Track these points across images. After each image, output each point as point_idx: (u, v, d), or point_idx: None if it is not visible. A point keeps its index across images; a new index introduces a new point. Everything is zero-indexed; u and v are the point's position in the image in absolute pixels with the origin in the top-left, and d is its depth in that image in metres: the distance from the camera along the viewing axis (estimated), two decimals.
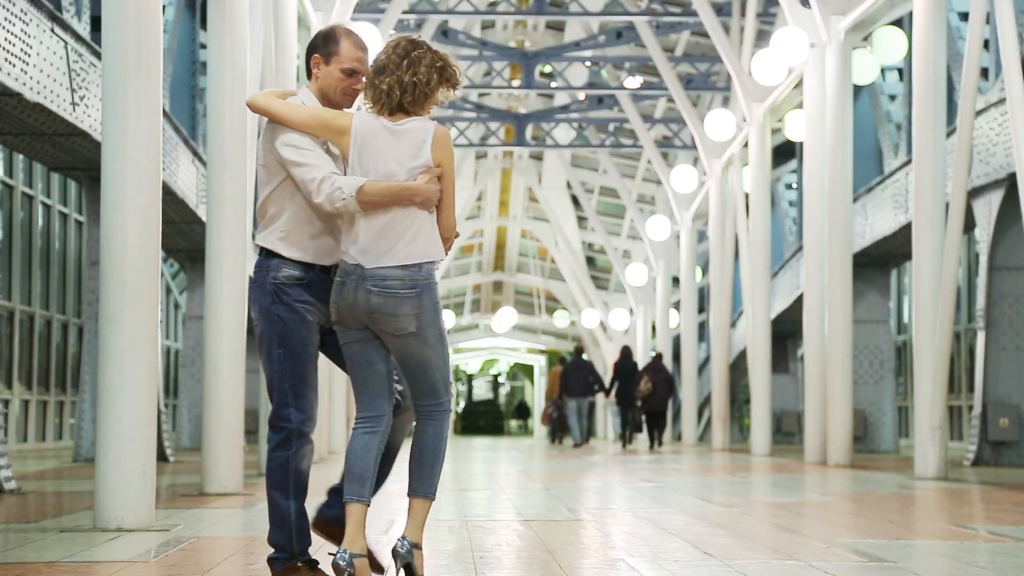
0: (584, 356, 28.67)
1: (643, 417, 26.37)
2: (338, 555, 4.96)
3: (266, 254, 5.11)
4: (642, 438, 27.69)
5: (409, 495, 5.13)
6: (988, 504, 10.07)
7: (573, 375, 27.90)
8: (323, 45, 5.21)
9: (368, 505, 5.08)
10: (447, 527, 7.74)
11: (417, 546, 5.06)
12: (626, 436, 26.64)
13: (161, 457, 16.22)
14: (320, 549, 5.56)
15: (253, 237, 20.53)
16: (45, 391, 22.41)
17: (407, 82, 5.10)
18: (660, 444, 25.88)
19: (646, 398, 25.81)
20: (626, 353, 27.52)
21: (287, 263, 5.07)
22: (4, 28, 11.32)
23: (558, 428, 31.47)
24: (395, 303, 4.94)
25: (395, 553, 5.05)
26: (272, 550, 5.30)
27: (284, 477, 5.24)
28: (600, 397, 34.83)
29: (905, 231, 18.49)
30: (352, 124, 5.03)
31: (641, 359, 37.68)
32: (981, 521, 8.48)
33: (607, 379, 34.03)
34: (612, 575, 5.65)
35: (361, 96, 5.21)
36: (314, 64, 5.21)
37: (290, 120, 5.02)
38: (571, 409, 27.74)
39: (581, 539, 7.22)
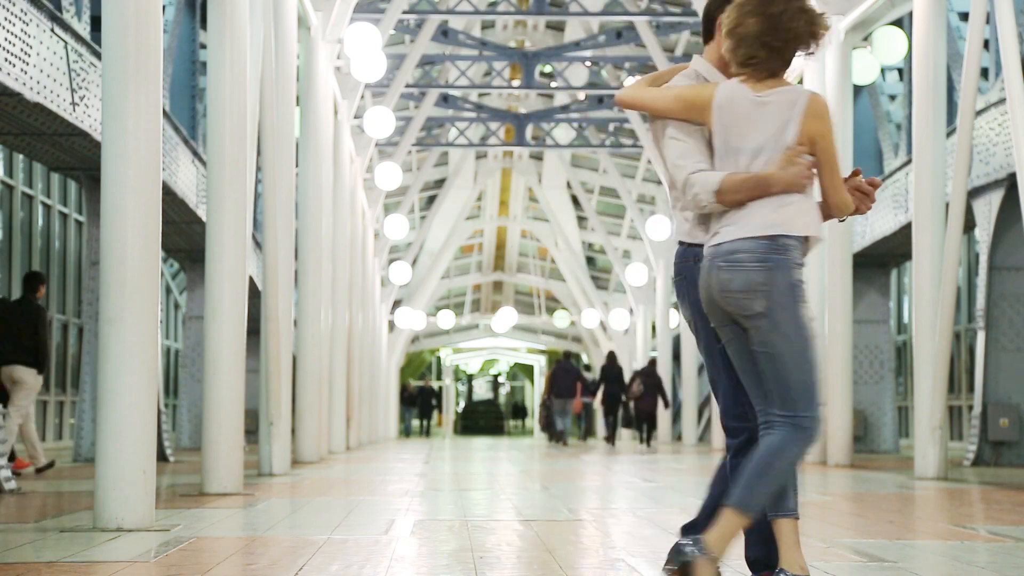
0: (572, 360, 31.14)
1: (634, 416, 28.20)
2: None
3: (687, 246, 4.59)
4: (627, 435, 29.19)
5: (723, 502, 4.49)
6: (988, 504, 10.07)
7: (560, 377, 29.94)
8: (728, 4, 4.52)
9: (797, 518, 4.51)
10: (447, 527, 7.74)
11: (710, 554, 4.37)
12: (612, 435, 28.79)
13: (161, 457, 16.23)
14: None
15: (254, 238, 20.47)
16: (45, 391, 22.41)
17: (777, 44, 4.40)
18: (650, 443, 27.28)
19: (637, 400, 27.41)
20: (611, 358, 29.56)
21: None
22: (4, 28, 11.32)
23: (545, 427, 32.89)
24: (743, 277, 4.32)
25: (677, 550, 4.41)
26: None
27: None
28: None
29: (905, 231, 18.49)
30: (714, 99, 4.43)
31: (641, 359, 37.98)
32: (981, 521, 8.48)
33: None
34: (612, 575, 5.65)
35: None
36: (717, 28, 4.55)
37: (655, 110, 4.49)
38: (557, 410, 29.84)
39: (581, 539, 7.22)
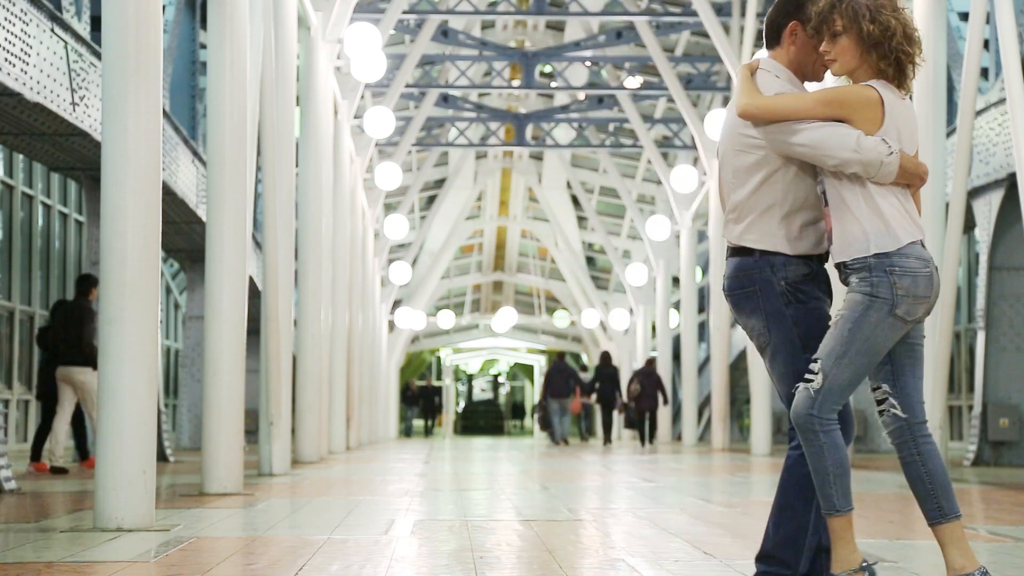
0: (567, 360, 31.76)
1: (636, 416, 28.90)
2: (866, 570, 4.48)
3: (760, 254, 4.55)
4: (627, 435, 29.66)
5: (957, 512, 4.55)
6: (988, 504, 10.06)
7: (555, 378, 30.38)
8: (807, 8, 4.54)
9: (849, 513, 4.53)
10: (447, 527, 7.74)
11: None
12: (608, 435, 29.73)
13: (161, 457, 16.23)
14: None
15: (254, 238, 20.40)
16: None
17: (907, 53, 4.49)
18: (651, 442, 27.94)
19: (637, 399, 28.17)
20: (606, 358, 30.65)
21: (792, 260, 4.54)
22: (4, 28, 11.32)
23: (542, 427, 33.48)
24: None
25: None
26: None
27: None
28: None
29: None
30: (881, 97, 4.43)
31: (641, 359, 37.98)
32: (981, 521, 8.48)
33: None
34: (612, 575, 5.64)
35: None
36: (790, 31, 4.60)
37: (803, 114, 4.42)
38: (554, 409, 30.24)
39: (581, 539, 7.22)
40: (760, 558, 4.64)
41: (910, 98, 4.61)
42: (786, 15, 4.59)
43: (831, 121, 4.42)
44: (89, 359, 14.09)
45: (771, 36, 4.66)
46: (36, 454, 14.75)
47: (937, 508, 4.49)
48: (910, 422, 4.55)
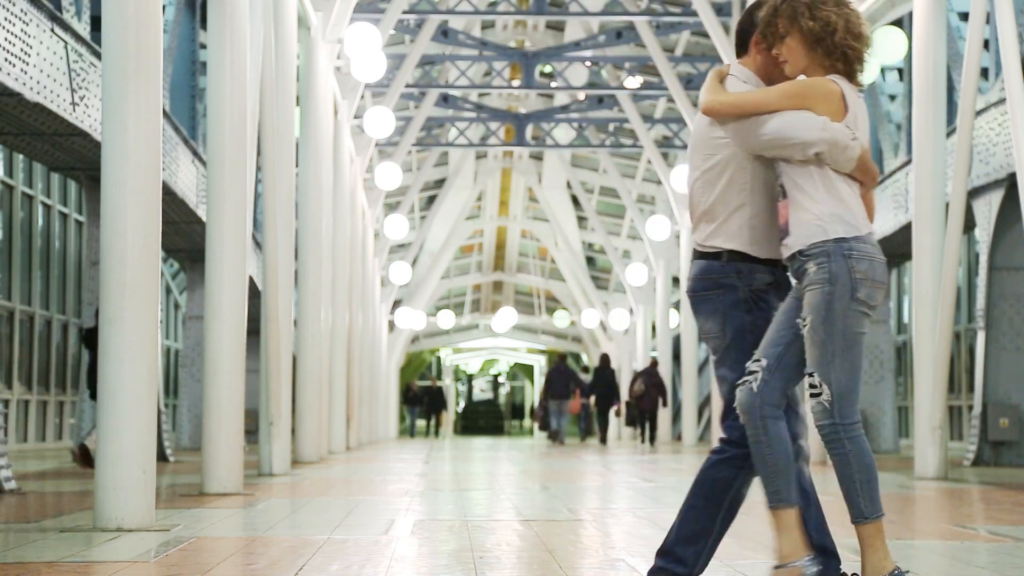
0: (567, 362, 32.54)
1: (637, 414, 29.83)
2: (803, 565, 4.51)
3: (727, 259, 4.56)
4: (627, 434, 30.22)
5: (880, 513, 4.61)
6: (988, 504, 10.07)
7: (555, 379, 30.97)
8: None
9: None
10: (447, 527, 7.74)
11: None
12: (604, 435, 30.95)
13: (161, 457, 16.22)
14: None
15: (254, 238, 20.42)
16: (45, 391, 22.41)
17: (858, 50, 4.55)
18: (652, 443, 28.58)
19: (639, 399, 28.98)
20: (605, 361, 31.32)
21: (758, 268, 4.57)
22: (4, 28, 11.33)
23: (541, 427, 34.04)
24: None
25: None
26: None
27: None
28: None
29: (905, 231, 18.48)
30: (841, 89, 4.46)
31: (641, 359, 38.05)
32: (981, 521, 8.48)
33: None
34: (612, 575, 5.65)
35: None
36: (755, 40, 4.65)
37: (766, 107, 4.44)
38: (553, 410, 30.88)
39: (581, 539, 7.22)
40: (660, 553, 4.65)
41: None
42: (752, 23, 4.65)
43: (800, 111, 4.45)
44: None
45: (740, 44, 4.72)
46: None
47: (857, 509, 4.50)
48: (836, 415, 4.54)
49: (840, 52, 4.50)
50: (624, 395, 34.67)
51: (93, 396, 15.16)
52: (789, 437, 4.53)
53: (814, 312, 4.42)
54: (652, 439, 28.51)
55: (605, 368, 30.82)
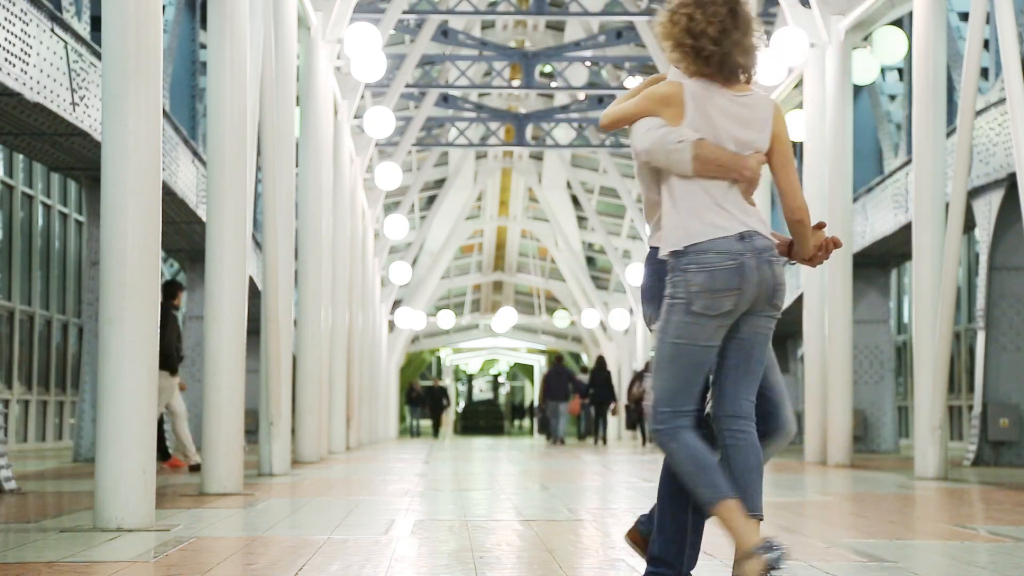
0: (565, 363, 33.59)
1: (637, 416, 30.65)
2: (766, 554, 4.41)
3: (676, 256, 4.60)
4: (627, 435, 31.74)
5: (754, 515, 4.49)
6: (988, 504, 10.07)
7: (553, 381, 31.56)
8: None
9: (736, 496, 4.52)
10: (447, 527, 7.74)
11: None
12: (597, 435, 31.31)
13: (161, 457, 16.21)
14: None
15: (254, 238, 20.47)
16: (45, 391, 22.42)
17: (747, 44, 4.54)
18: (651, 442, 28.41)
19: (639, 400, 29.64)
20: (601, 362, 32.16)
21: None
22: (4, 28, 11.32)
23: (541, 428, 34.42)
24: (781, 272, 4.55)
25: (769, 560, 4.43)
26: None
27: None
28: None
29: (905, 231, 18.48)
30: (682, 91, 4.52)
31: (641, 359, 38.14)
32: (981, 521, 8.48)
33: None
34: (612, 575, 5.65)
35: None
36: None
37: (633, 115, 4.57)
38: (551, 411, 31.40)
39: (581, 539, 7.22)
40: (649, 560, 4.70)
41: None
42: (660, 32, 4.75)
43: (652, 117, 4.54)
44: (164, 363, 14.24)
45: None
46: (163, 453, 15.19)
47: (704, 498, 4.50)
48: (718, 415, 4.58)
49: (683, 51, 4.54)
50: (623, 398, 35.15)
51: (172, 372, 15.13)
52: (697, 439, 4.53)
53: (661, 319, 4.55)
54: (650, 439, 28.82)
55: (602, 369, 31.39)
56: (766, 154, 4.58)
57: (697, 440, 4.52)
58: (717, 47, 4.51)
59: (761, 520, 4.50)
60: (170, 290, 14.97)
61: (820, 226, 4.67)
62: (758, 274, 4.49)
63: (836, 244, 4.68)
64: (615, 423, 40.41)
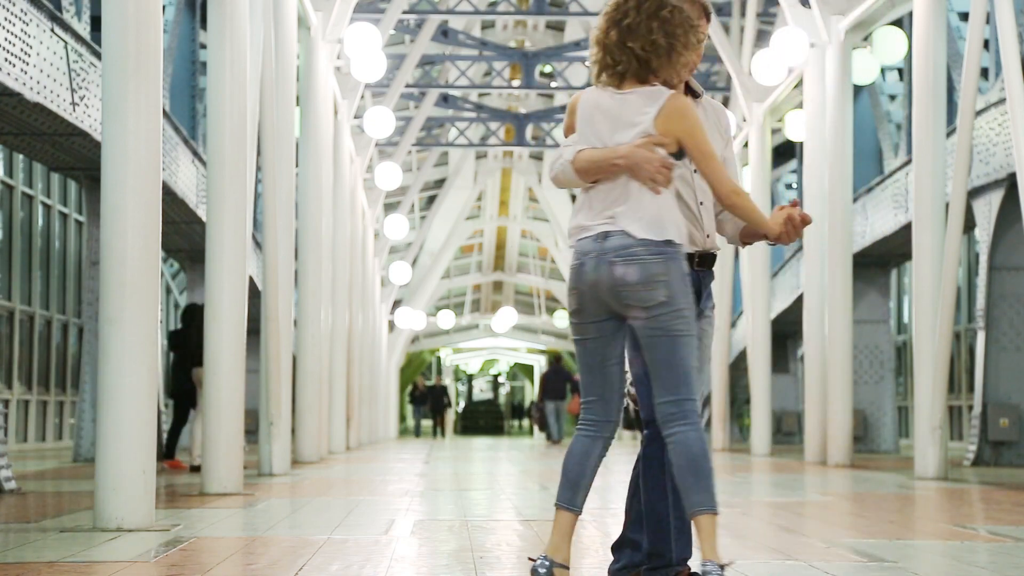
0: (563, 363, 33.69)
1: (634, 417, 30.33)
2: (538, 562, 4.60)
3: None
4: (626, 435, 32.98)
5: (693, 512, 4.52)
6: (988, 504, 10.07)
7: (551, 381, 31.88)
8: None
9: (579, 515, 4.74)
10: (447, 527, 7.74)
11: (725, 564, 4.49)
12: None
13: (161, 457, 16.21)
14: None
15: (254, 238, 20.57)
16: (45, 391, 22.41)
17: (638, 42, 4.57)
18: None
19: (635, 401, 30.06)
20: None
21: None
22: (4, 28, 11.32)
23: (540, 428, 34.88)
24: (642, 269, 4.49)
25: None
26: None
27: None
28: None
29: (905, 231, 18.48)
30: (578, 101, 4.65)
31: None
32: (981, 521, 8.48)
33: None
34: None
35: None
36: None
37: (566, 129, 4.74)
38: (549, 411, 31.64)
39: (581, 539, 7.22)
40: (646, 558, 4.83)
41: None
42: None
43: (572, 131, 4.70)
44: (199, 360, 14.56)
45: None
46: (170, 451, 15.49)
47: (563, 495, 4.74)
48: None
49: (593, 60, 4.69)
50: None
51: (171, 395, 15.78)
52: (584, 449, 4.84)
53: None
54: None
55: None
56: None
57: (576, 446, 4.84)
58: (601, 48, 4.62)
59: (715, 514, 4.50)
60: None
61: (793, 204, 4.69)
62: (594, 275, 4.55)
63: (805, 220, 4.66)
64: None
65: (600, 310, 4.58)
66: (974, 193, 17.10)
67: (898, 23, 20.18)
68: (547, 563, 4.57)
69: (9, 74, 11.42)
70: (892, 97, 23.87)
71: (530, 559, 4.71)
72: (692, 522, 4.55)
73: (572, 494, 4.69)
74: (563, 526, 4.65)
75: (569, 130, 4.69)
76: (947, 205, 13.68)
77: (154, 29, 7.71)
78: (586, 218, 4.59)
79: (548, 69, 32.14)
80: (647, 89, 4.57)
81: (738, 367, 29.84)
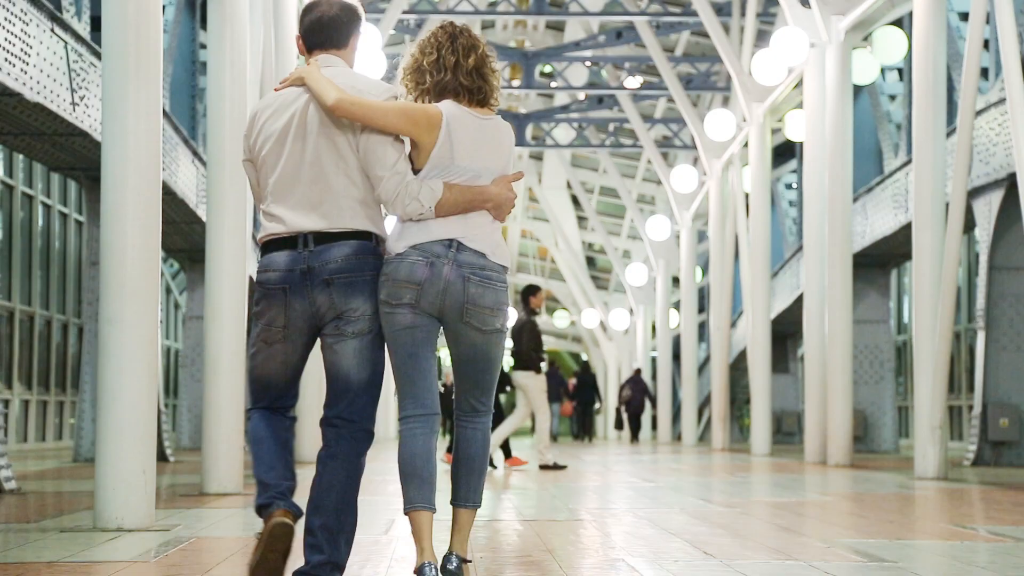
0: (556, 366, 37.68)
1: (627, 415, 34.68)
2: (426, 569, 4.73)
3: (377, 240, 4.72)
4: (617, 436, 36.46)
5: (456, 505, 4.89)
6: (988, 504, 10.07)
7: (548, 383, 33.02)
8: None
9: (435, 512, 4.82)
10: (447, 527, 7.73)
11: (467, 560, 4.87)
12: (587, 434, 35.60)
13: (161, 457, 16.22)
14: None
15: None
16: (45, 391, 22.42)
17: (487, 73, 4.90)
18: (638, 440, 33.50)
19: (627, 403, 34.13)
20: (585, 368, 37.28)
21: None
22: (4, 28, 11.33)
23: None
24: (493, 295, 4.66)
25: (446, 571, 4.80)
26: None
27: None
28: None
29: (905, 231, 18.49)
30: (443, 116, 4.66)
31: (641, 359, 38.39)
32: (981, 521, 8.48)
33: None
34: (612, 575, 5.65)
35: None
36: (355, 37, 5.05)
37: (375, 125, 4.61)
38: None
39: (581, 539, 7.22)
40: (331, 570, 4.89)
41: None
42: (359, 20, 5.19)
43: (399, 140, 4.71)
44: (529, 364, 16.27)
45: (340, 36, 5.18)
46: (506, 452, 16.93)
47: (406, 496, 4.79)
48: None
49: (415, 85, 5.02)
50: (614, 400, 38.63)
51: None
52: (417, 446, 4.78)
53: None
54: (636, 436, 33.54)
55: (586, 373, 36.52)
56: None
57: (415, 441, 4.81)
58: (441, 74, 4.91)
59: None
60: (525, 293, 16.81)
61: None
62: (447, 282, 4.66)
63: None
64: (602, 421, 44.13)
65: (434, 309, 4.67)
66: (974, 193, 17.10)
67: (898, 23, 20.18)
68: (434, 569, 4.73)
69: (9, 74, 11.43)
70: (892, 97, 23.87)
71: (415, 572, 4.77)
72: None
73: (430, 493, 4.75)
74: (428, 527, 4.79)
75: (405, 133, 4.64)
76: (947, 205, 13.68)
77: (154, 29, 7.71)
78: (422, 233, 4.63)
79: (548, 69, 32.14)
80: (497, 118, 4.78)
81: (738, 367, 29.85)
